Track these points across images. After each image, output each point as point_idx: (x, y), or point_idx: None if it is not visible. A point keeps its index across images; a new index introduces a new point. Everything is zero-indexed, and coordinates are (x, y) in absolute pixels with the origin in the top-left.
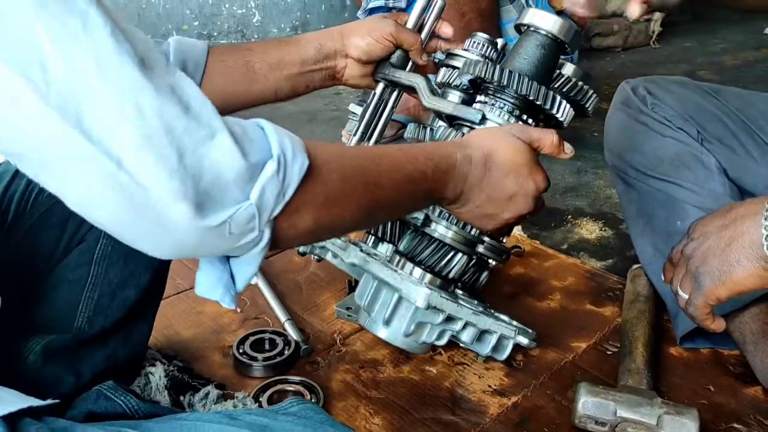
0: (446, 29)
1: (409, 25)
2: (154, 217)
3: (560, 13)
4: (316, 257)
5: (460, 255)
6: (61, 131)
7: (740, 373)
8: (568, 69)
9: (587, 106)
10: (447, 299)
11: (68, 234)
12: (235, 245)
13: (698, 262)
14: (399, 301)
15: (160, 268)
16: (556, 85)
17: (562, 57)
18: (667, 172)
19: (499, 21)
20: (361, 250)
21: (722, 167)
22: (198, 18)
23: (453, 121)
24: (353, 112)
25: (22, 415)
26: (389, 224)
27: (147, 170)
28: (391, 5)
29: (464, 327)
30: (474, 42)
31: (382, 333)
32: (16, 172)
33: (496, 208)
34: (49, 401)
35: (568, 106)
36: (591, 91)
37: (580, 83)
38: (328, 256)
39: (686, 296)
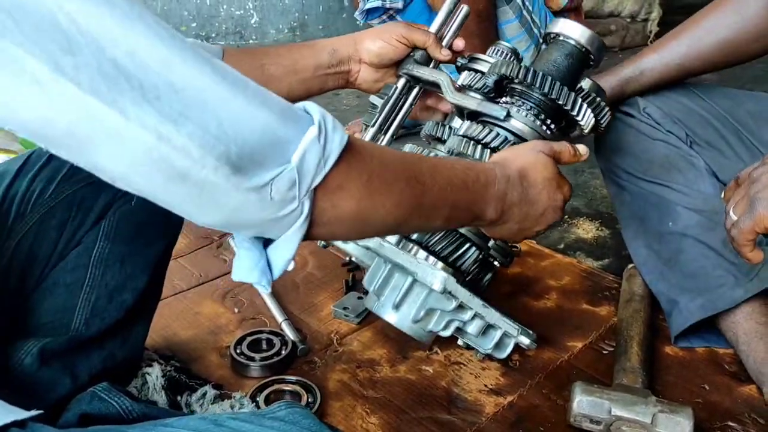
0: (459, 42)
1: (433, 29)
2: (198, 183)
3: (557, 13)
4: (323, 243)
5: (473, 249)
6: (97, 111)
7: (735, 371)
8: (585, 83)
9: (601, 121)
10: (461, 287)
11: (66, 236)
12: (276, 214)
13: (760, 187)
14: (411, 286)
15: (157, 270)
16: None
17: None
18: (657, 175)
19: (496, 22)
20: None
21: (712, 169)
22: (196, 19)
23: (476, 118)
24: (373, 104)
25: (8, 426)
26: None
27: (186, 140)
28: (387, 5)
29: (473, 318)
30: (497, 50)
31: (391, 317)
32: (18, 172)
33: (531, 223)
34: (33, 412)
35: (591, 112)
36: (606, 107)
37: (598, 99)
38: (337, 241)
39: (735, 218)
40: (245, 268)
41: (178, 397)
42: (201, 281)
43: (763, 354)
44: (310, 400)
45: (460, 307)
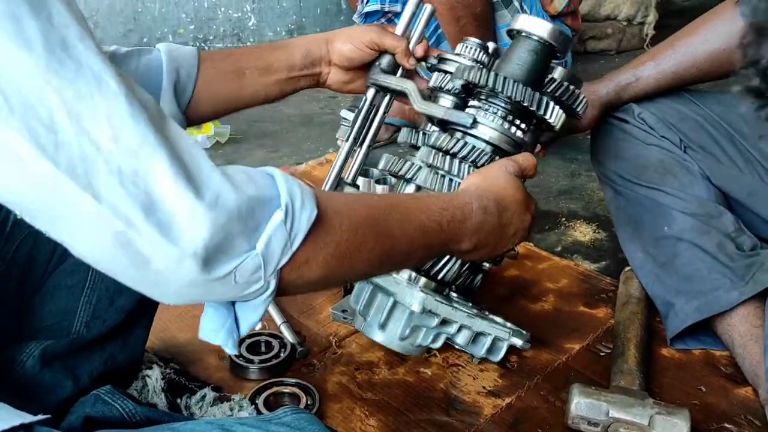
0: (419, 49)
1: (398, 31)
2: (162, 273)
3: (554, 17)
4: None
5: (453, 259)
6: (71, 192)
7: (731, 373)
8: (558, 73)
9: (578, 108)
10: (441, 302)
11: None
12: (241, 294)
13: None
14: (394, 306)
15: None
16: (548, 90)
17: (557, 62)
18: (652, 180)
19: (494, 25)
20: None
21: (706, 174)
22: (194, 22)
23: (445, 125)
24: (345, 118)
25: (14, 430)
26: None
27: (156, 230)
28: (386, 9)
29: (459, 330)
30: (466, 47)
31: (378, 337)
32: None
33: (503, 244)
34: (40, 416)
35: (560, 110)
36: (581, 94)
37: (571, 87)
38: None
39: None
40: (211, 329)
41: (178, 400)
42: None
43: (759, 356)
44: (309, 402)
45: (445, 321)
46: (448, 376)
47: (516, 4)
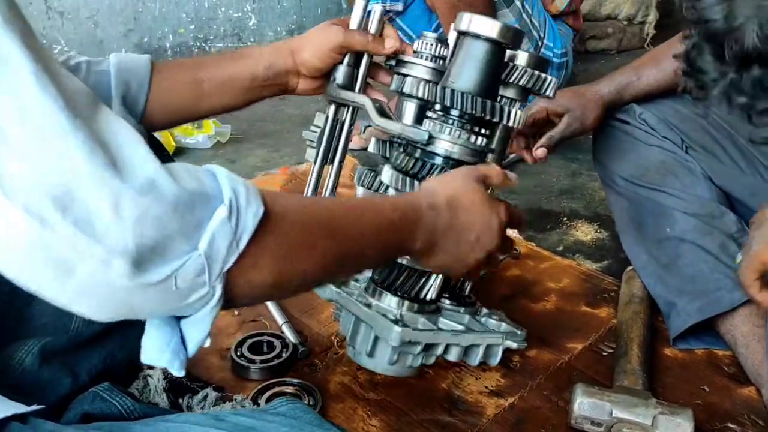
0: (389, 43)
1: (353, 26)
2: (86, 280)
3: (556, 17)
4: None
5: (434, 276)
6: None
7: (734, 373)
8: (522, 59)
9: (547, 92)
10: (422, 330)
11: None
12: (183, 303)
13: (756, 227)
14: (377, 337)
15: None
16: (511, 80)
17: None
18: (653, 180)
19: None
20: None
21: (707, 174)
22: (194, 22)
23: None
24: (309, 140)
25: (8, 420)
26: None
27: (74, 228)
28: (388, 8)
29: (447, 348)
30: (424, 43)
31: (369, 364)
32: None
33: (466, 250)
34: (34, 407)
35: (518, 111)
36: (548, 78)
37: (536, 72)
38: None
39: (740, 258)
40: (154, 348)
41: (180, 400)
42: None
43: (762, 356)
44: (311, 402)
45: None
46: (451, 376)
47: (518, 3)
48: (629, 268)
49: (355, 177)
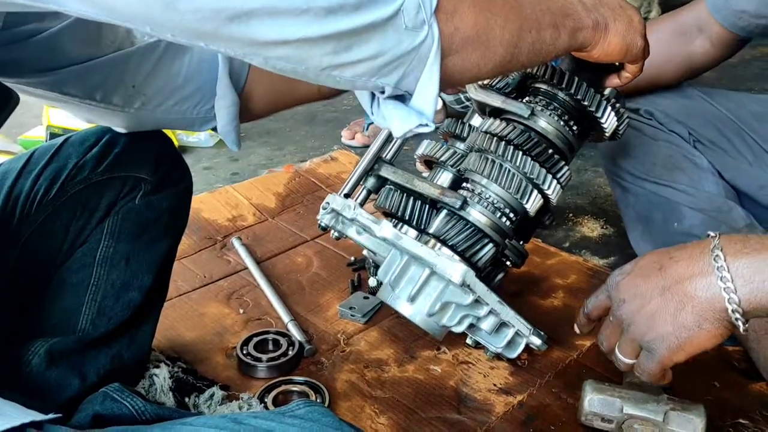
0: None
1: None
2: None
3: None
4: (336, 234)
5: (490, 245)
6: None
7: (745, 368)
8: (607, 90)
9: (620, 127)
10: (479, 281)
11: (71, 237)
12: (412, 43)
13: (644, 330)
14: (428, 278)
15: (162, 268)
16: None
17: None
18: (660, 175)
19: None
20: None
21: (715, 168)
22: None
23: (499, 115)
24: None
25: (25, 427)
26: (417, 208)
27: None
28: None
29: (487, 315)
30: None
31: (406, 309)
32: (20, 172)
33: (630, 28)
34: (51, 415)
35: (614, 114)
36: (625, 113)
37: (618, 105)
38: (351, 232)
39: (629, 361)
40: (402, 118)
41: (186, 399)
42: (205, 282)
43: None
44: (318, 400)
45: (476, 302)
46: (459, 374)
47: None
48: None
49: (420, 149)
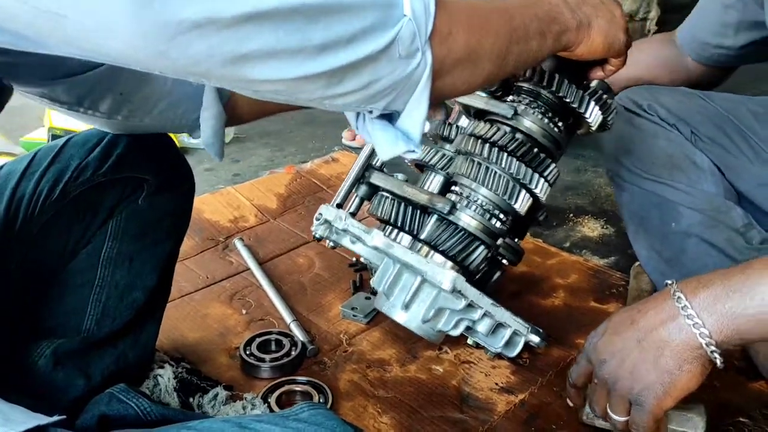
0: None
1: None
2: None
3: None
4: (331, 244)
5: (482, 247)
6: None
7: (744, 368)
8: (594, 81)
9: (608, 119)
10: (470, 286)
11: (74, 238)
12: (405, 71)
13: (629, 384)
14: (420, 286)
15: (165, 269)
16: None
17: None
18: (659, 174)
19: None
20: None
21: (716, 167)
22: None
23: (484, 117)
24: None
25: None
26: (409, 215)
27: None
28: None
29: (482, 317)
30: None
31: (401, 317)
32: (23, 174)
33: (612, 24)
34: (56, 418)
35: (598, 109)
36: (613, 104)
37: (605, 96)
38: (345, 242)
39: (623, 419)
40: (389, 142)
41: (190, 399)
42: (208, 283)
43: None
44: (321, 400)
45: (470, 306)
46: (461, 373)
47: None
48: (637, 263)
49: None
